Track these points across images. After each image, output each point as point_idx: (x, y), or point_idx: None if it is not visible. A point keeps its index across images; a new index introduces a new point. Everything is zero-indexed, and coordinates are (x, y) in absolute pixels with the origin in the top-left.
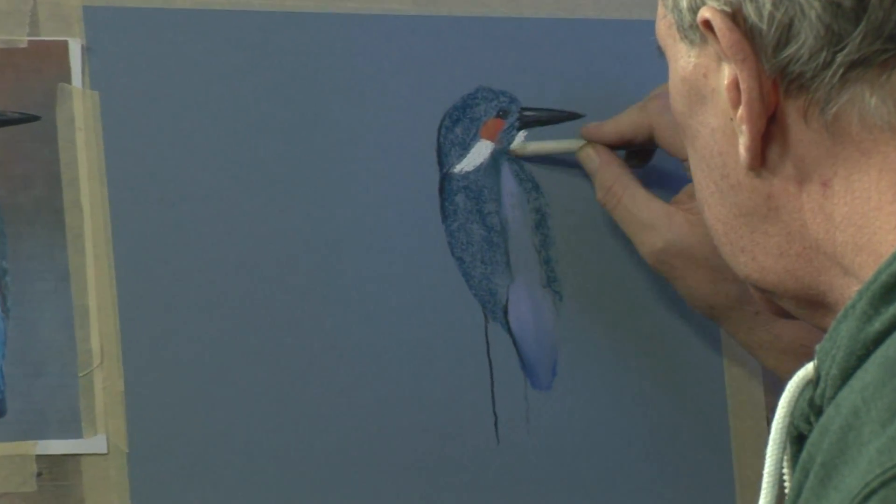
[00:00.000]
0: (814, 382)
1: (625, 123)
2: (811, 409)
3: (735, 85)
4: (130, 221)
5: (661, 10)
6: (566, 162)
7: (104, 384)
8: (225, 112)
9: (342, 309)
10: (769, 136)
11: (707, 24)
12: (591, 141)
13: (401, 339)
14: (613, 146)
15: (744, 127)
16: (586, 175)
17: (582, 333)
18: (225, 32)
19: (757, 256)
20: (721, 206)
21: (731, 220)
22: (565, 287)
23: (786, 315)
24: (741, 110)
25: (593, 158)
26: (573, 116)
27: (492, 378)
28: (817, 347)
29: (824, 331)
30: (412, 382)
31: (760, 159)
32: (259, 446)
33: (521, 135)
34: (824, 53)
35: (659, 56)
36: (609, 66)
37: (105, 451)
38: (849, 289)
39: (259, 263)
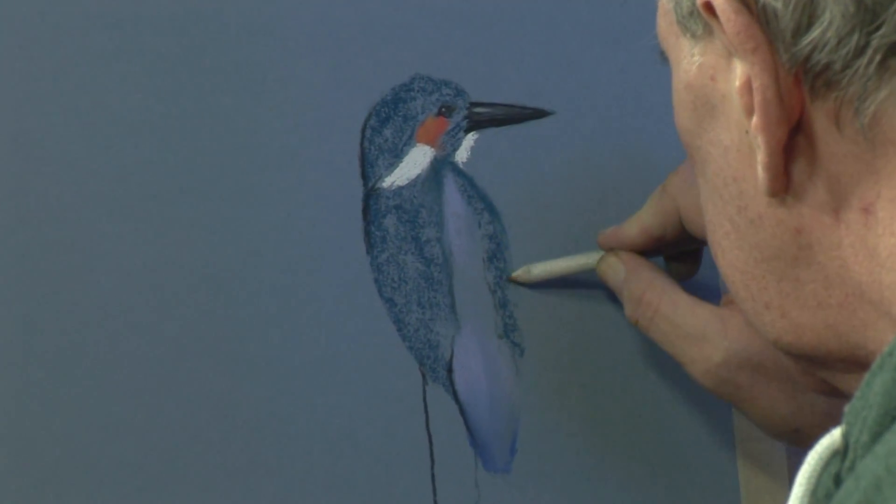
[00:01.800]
0: (841, 453)
1: (647, 216)
2: (838, 487)
3: (748, 86)
4: None
5: (660, 1)
6: (526, 175)
7: None
8: (87, 103)
9: (234, 367)
10: (794, 150)
11: (709, 7)
12: (611, 249)
13: (311, 407)
14: (644, 251)
15: (759, 138)
16: (553, 191)
17: (549, 398)
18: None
19: (788, 312)
20: (738, 249)
21: (751, 268)
22: (527, 338)
23: (834, 392)
24: (755, 117)
25: (618, 268)
26: (539, 114)
27: (432, 457)
28: (846, 408)
29: None
30: (327, 464)
31: (784, 181)
32: None
33: (471, 138)
34: (856, 36)
35: (661, 62)
36: (586, 47)
37: None
38: None
39: (132, 310)
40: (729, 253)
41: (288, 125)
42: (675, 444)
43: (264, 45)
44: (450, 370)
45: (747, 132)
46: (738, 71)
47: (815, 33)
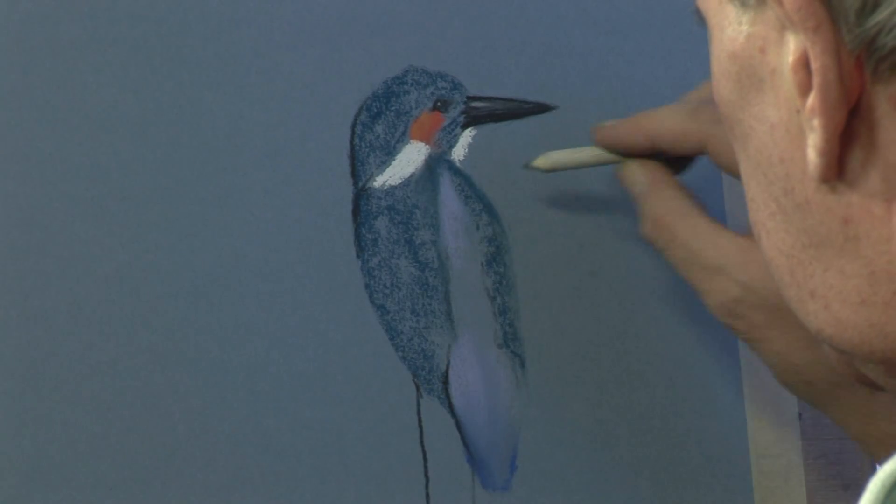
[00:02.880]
0: None
1: (667, 130)
2: None
3: (804, 63)
4: None
5: None
6: (527, 173)
7: None
8: (65, 98)
9: (214, 377)
10: (850, 134)
11: None
12: (609, 147)
13: (297, 421)
14: (640, 154)
15: (816, 121)
16: (557, 190)
17: (551, 412)
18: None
19: (831, 304)
20: (785, 232)
21: (798, 253)
22: (529, 348)
23: (873, 385)
24: (812, 98)
25: (640, 180)
26: (541, 109)
27: (426, 475)
28: None
29: None
30: (315, 482)
31: (837, 167)
32: None
33: (468, 135)
34: None
35: (698, 24)
36: (590, 37)
37: None
38: None
39: (108, 316)
40: (774, 235)
41: (273, 121)
42: (687, 461)
43: (246, 35)
44: (446, 382)
45: (798, 112)
46: (792, 45)
47: (883, 14)
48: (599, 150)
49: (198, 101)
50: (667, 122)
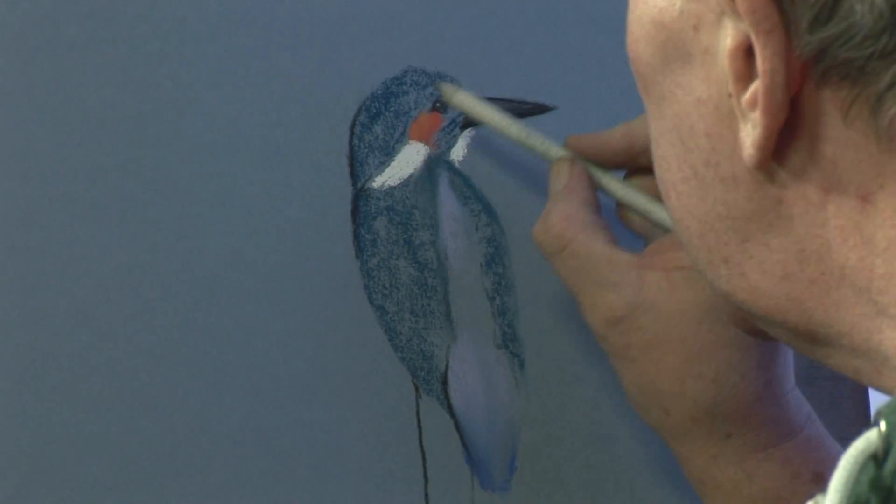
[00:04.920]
0: (880, 456)
1: (640, 123)
2: (876, 493)
3: (743, 53)
4: None
5: None
6: (527, 174)
7: None
8: (61, 97)
9: (213, 378)
10: (789, 127)
11: None
12: (578, 152)
13: (296, 422)
14: (619, 160)
15: (757, 115)
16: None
17: (551, 412)
18: None
19: (748, 273)
20: (700, 199)
21: (712, 220)
22: (528, 348)
23: (762, 335)
24: (753, 91)
25: (561, 180)
26: (541, 109)
27: (425, 475)
28: (881, 407)
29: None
30: (314, 482)
31: (771, 155)
32: None
33: (467, 135)
34: (885, 38)
35: None
36: (589, 37)
37: None
38: (879, 332)
39: (107, 316)
40: (686, 198)
41: (271, 121)
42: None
43: (245, 35)
44: (445, 382)
45: (730, 96)
46: (730, 31)
47: (834, 29)
48: (503, 116)
49: (196, 101)
50: (643, 117)
